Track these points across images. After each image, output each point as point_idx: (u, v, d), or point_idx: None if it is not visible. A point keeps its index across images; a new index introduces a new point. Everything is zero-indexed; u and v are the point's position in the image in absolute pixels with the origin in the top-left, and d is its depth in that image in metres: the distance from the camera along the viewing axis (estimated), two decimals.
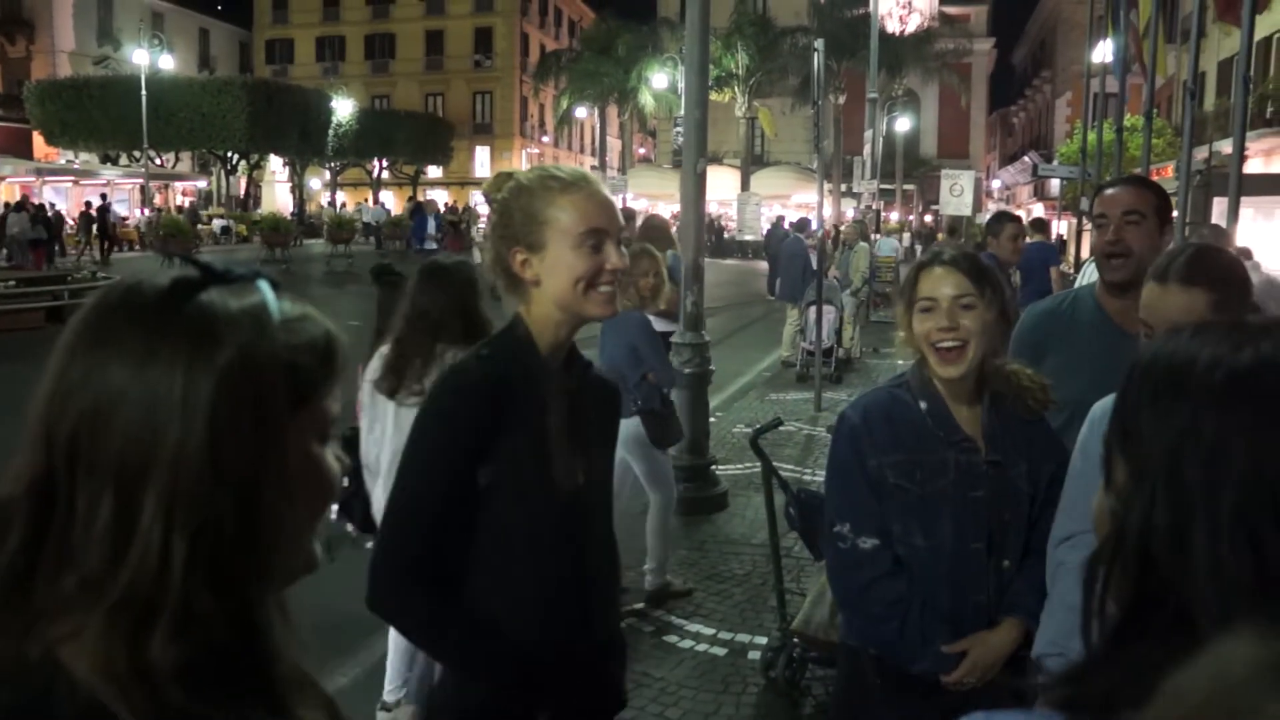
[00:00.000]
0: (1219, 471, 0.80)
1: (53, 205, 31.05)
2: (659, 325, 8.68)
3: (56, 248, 27.56)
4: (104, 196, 32.66)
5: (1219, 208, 24.14)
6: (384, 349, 3.70)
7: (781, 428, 6.22)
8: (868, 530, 2.31)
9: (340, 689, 4.17)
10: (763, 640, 4.73)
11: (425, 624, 1.86)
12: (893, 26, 45.45)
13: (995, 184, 62.86)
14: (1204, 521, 0.80)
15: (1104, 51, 18.85)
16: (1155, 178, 19.41)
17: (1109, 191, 3.06)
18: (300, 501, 0.86)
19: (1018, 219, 6.84)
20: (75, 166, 39.22)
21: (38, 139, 40.85)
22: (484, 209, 2.06)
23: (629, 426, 4.96)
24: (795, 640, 4.11)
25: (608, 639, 2.02)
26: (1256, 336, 0.84)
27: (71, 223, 32.11)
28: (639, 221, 8.63)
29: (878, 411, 2.35)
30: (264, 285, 0.88)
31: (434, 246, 20.82)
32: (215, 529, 0.80)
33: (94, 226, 30.06)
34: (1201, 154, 24.76)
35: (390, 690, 3.92)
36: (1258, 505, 0.79)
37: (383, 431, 3.75)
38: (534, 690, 1.83)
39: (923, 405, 2.30)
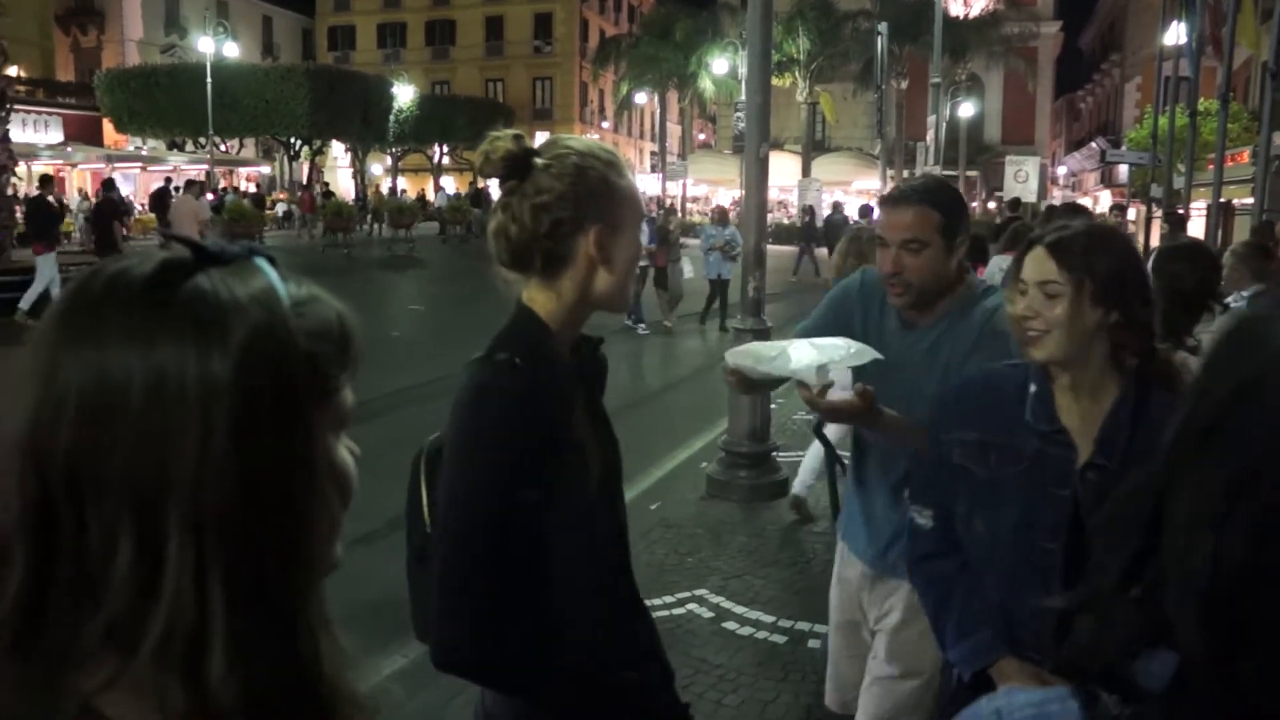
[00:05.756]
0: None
1: (236, 189, 34.47)
2: None
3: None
4: (326, 184, 38.66)
5: None
6: None
7: None
8: (925, 502, 2.28)
9: (402, 670, 4.19)
10: (823, 628, 4.66)
11: (530, 667, 1.65)
12: (957, 10, 44.84)
13: (1061, 170, 61.91)
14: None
15: (1177, 33, 18.37)
16: (1230, 164, 18.92)
17: (890, 210, 2.65)
18: (329, 504, 0.78)
19: (1081, 210, 6.55)
20: (143, 153, 39.94)
21: (107, 126, 41.64)
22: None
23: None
24: None
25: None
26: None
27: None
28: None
29: (973, 386, 2.27)
30: (264, 264, 0.77)
31: (645, 263, 15.05)
32: (251, 546, 0.70)
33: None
34: None
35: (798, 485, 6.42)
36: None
37: None
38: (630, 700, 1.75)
39: (1033, 388, 2.13)
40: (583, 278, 1.70)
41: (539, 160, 1.69)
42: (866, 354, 2.38)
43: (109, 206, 17.35)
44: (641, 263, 14.93)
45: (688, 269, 15.78)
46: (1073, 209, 7.11)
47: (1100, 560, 0.78)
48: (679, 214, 20.88)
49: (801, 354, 2.36)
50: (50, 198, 16.46)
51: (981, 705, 0.80)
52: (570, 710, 1.68)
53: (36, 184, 17.18)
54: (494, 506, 1.60)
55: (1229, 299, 5.07)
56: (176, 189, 29.19)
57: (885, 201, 2.71)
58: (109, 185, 18.50)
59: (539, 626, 1.65)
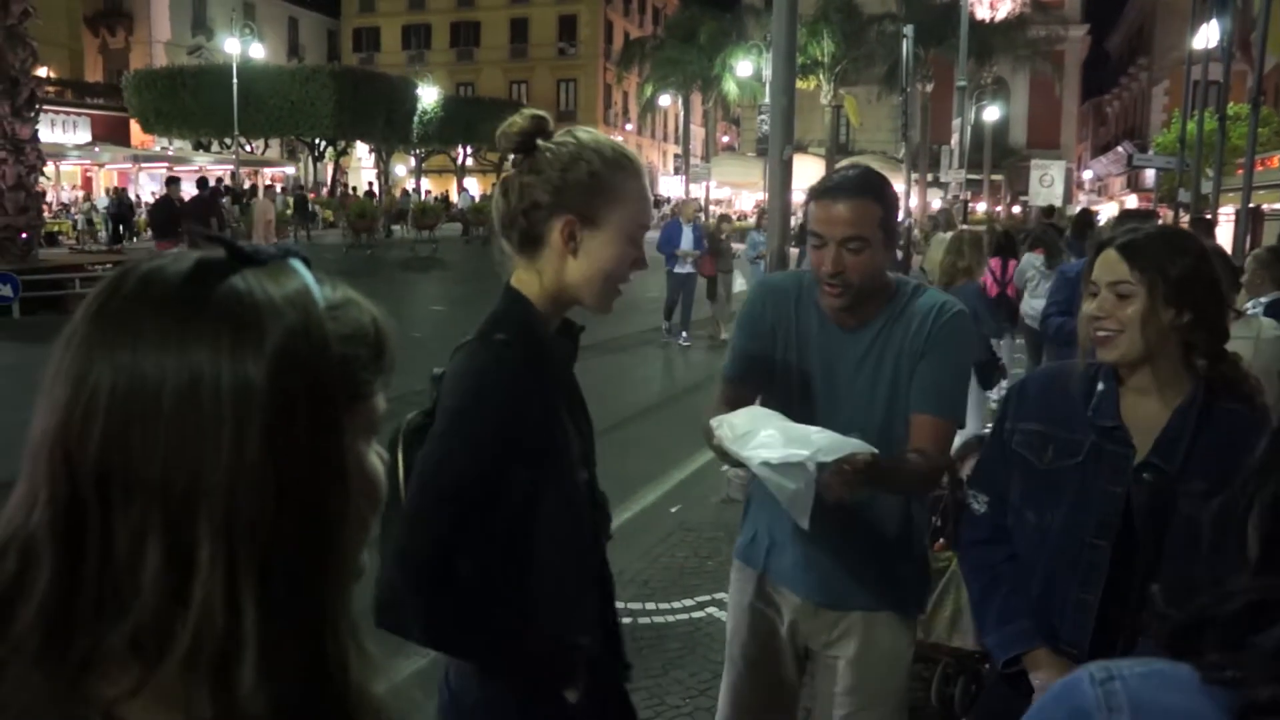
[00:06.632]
0: None
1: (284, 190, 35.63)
2: None
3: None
4: (370, 184, 40.67)
5: None
6: None
7: None
8: (981, 488, 2.33)
9: (420, 670, 4.17)
10: None
11: (469, 621, 1.67)
12: (983, 13, 44.66)
13: (1087, 175, 61.55)
14: None
15: (1206, 37, 18.21)
16: (1260, 169, 18.74)
17: (828, 204, 2.38)
18: (359, 510, 0.76)
19: (1150, 215, 6.53)
20: (169, 153, 40.25)
21: (134, 127, 41.98)
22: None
23: None
24: None
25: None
26: None
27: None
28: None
29: (1042, 379, 2.34)
30: (300, 266, 0.75)
31: (688, 270, 14.40)
32: (283, 552, 0.69)
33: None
34: None
35: None
36: None
37: None
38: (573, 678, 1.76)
39: (1100, 386, 2.15)
40: (557, 263, 1.74)
41: (542, 142, 1.74)
42: (841, 447, 2.02)
43: (201, 204, 18.60)
44: (686, 270, 14.39)
45: (739, 280, 14.94)
46: (1143, 215, 7.10)
47: (1217, 541, 0.78)
48: (731, 220, 19.46)
49: (762, 442, 2.05)
50: (175, 198, 18.01)
51: (1081, 673, 0.77)
52: (530, 681, 1.76)
53: (164, 183, 19.37)
54: (481, 484, 1.64)
55: (1246, 305, 4.99)
56: (226, 189, 29.82)
57: (820, 194, 2.42)
58: (203, 184, 19.98)
59: (508, 598, 1.70)
